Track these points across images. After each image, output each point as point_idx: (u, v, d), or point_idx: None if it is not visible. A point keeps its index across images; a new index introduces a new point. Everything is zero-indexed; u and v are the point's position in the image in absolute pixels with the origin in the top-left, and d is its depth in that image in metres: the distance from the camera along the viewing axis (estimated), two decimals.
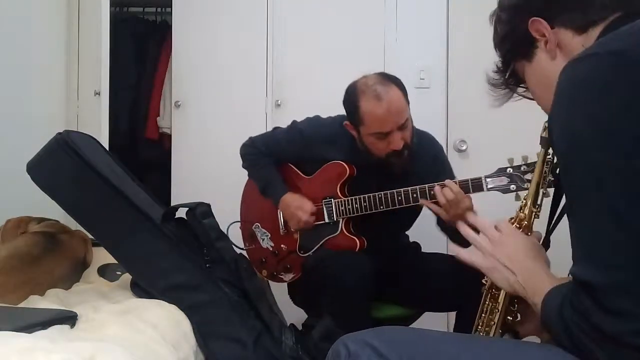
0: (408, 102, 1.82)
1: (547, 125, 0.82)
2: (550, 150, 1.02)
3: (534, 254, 0.95)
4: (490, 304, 1.07)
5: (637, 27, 0.79)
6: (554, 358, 0.78)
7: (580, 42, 0.88)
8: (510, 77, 1.02)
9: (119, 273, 1.78)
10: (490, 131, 2.58)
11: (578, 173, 0.76)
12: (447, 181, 1.72)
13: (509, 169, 1.65)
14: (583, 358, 0.75)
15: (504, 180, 1.66)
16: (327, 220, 1.95)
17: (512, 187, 1.64)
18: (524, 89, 1.03)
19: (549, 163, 1.03)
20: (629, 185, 0.71)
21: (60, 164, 1.55)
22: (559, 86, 0.79)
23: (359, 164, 1.93)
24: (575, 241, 0.78)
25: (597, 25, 0.88)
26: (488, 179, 1.68)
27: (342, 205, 1.92)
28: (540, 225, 1.05)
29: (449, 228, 1.83)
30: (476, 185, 1.70)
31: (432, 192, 1.75)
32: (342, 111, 2.00)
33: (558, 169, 0.89)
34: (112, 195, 1.54)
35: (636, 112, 0.70)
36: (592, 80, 0.75)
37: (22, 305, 1.43)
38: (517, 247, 0.96)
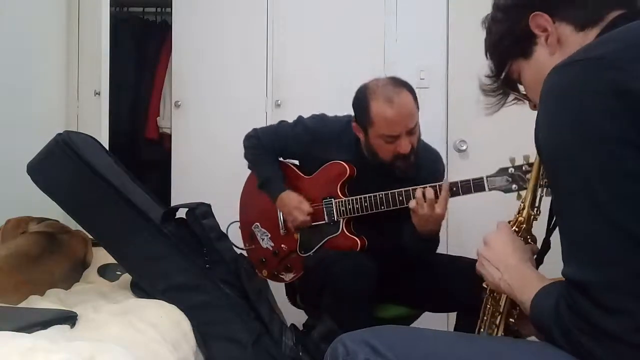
0: (418, 108, 1.82)
1: (534, 130, 0.83)
2: None
3: (520, 254, 0.96)
4: (492, 307, 1.07)
5: (621, 33, 0.81)
6: (550, 357, 0.78)
7: (579, 40, 0.89)
8: (505, 80, 1.02)
9: (119, 273, 1.78)
10: (490, 131, 2.58)
11: (565, 175, 0.77)
12: (439, 185, 1.72)
13: (510, 169, 1.65)
14: (580, 357, 0.75)
15: (505, 180, 1.65)
16: (327, 220, 1.95)
17: (514, 187, 1.64)
18: (517, 94, 1.04)
19: None
20: (616, 185, 0.72)
21: (60, 164, 1.55)
22: (544, 91, 0.80)
23: (360, 164, 1.93)
24: (566, 242, 0.79)
25: (596, 25, 0.89)
26: (489, 179, 1.68)
27: (342, 205, 1.92)
28: (539, 226, 1.05)
29: (409, 235, 1.83)
30: (478, 185, 1.70)
31: None
32: (341, 110, 2.01)
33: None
34: (112, 196, 1.54)
35: (619, 116, 0.71)
36: (577, 85, 0.76)
37: (22, 305, 1.43)
38: (503, 245, 0.98)
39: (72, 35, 2.72)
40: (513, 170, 1.64)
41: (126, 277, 1.68)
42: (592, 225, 0.74)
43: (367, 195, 1.85)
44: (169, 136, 2.93)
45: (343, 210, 1.92)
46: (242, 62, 2.79)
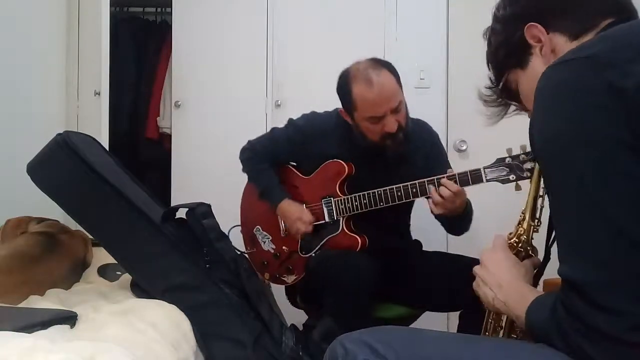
0: (401, 86, 1.84)
1: (529, 131, 0.84)
2: None
3: (513, 271, 0.97)
4: (494, 322, 1.07)
5: (613, 33, 0.82)
6: (550, 357, 0.78)
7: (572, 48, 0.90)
8: (504, 90, 1.03)
9: (119, 273, 1.78)
10: (490, 131, 2.56)
11: (560, 172, 0.78)
12: (443, 180, 1.72)
13: (507, 159, 1.64)
14: (577, 358, 0.75)
15: (503, 171, 1.65)
16: (327, 219, 1.95)
17: (512, 177, 1.63)
18: (517, 104, 1.05)
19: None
20: (610, 184, 0.72)
21: (60, 164, 1.55)
22: (538, 91, 0.81)
23: (356, 154, 1.93)
24: (561, 241, 0.79)
25: (588, 34, 0.90)
26: (487, 170, 1.68)
27: (341, 204, 1.92)
28: (539, 236, 1.04)
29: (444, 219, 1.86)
30: (475, 176, 1.70)
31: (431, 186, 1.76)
32: None
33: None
34: (112, 196, 1.54)
35: (612, 114, 0.72)
36: (570, 83, 0.77)
37: (22, 305, 1.43)
38: (496, 264, 0.98)
39: (72, 35, 2.72)
40: (510, 160, 1.64)
41: (126, 277, 1.68)
42: (587, 223, 0.74)
43: (365, 192, 1.86)
44: (169, 136, 2.93)
45: (342, 209, 1.92)
46: (242, 62, 2.79)
